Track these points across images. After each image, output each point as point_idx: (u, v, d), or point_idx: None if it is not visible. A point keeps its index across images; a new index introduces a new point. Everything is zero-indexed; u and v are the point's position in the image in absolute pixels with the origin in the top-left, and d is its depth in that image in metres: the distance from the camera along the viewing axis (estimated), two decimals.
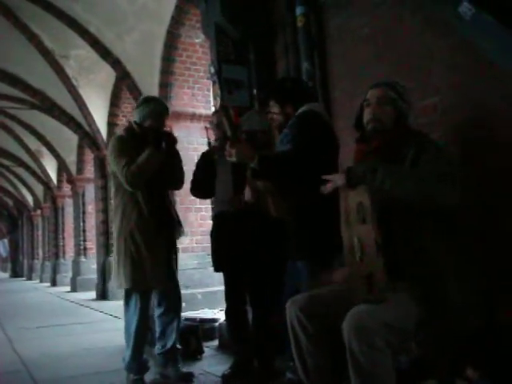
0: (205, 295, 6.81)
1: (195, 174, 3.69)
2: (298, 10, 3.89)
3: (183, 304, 6.50)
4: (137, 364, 3.41)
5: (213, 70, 4.38)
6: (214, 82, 4.45)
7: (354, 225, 1.96)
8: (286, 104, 2.88)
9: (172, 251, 3.62)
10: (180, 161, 3.73)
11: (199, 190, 3.76)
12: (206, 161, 3.67)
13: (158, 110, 3.54)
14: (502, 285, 2.48)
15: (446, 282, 1.99)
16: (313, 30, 3.90)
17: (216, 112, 3.84)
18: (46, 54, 9.03)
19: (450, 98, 2.87)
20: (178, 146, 7.49)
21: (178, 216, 3.68)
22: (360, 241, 1.93)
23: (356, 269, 1.97)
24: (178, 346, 3.64)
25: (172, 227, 3.58)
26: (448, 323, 1.99)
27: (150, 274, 3.34)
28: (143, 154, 3.33)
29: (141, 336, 3.41)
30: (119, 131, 6.15)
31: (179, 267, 6.90)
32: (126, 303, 3.44)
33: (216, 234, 3.61)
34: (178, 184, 3.78)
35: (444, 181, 1.87)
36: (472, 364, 2.31)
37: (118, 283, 3.47)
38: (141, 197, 3.39)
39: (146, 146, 3.36)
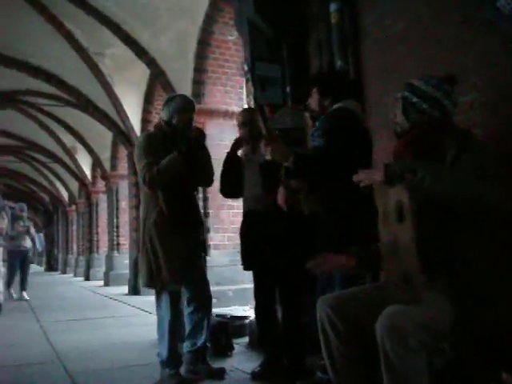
0: (236, 292, 6.85)
1: (222, 173, 3.69)
2: (332, 7, 3.86)
3: (214, 300, 6.56)
4: (173, 359, 3.43)
5: (246, 67, 4.38)
6: (247, 80, 4.45)
7: (392, 223, 1.92)
8: (326, 96, 2.87)
9: (197, 250, 3.61)
10: (209, 157, 3.72)
11: (227, 190, 3.74)
12: (231, 160, 3.65)
13: (183, 105, 3.55)
14: None
15: (484, 283, 1.94)
16: (346, 26, 3.86)
17: (243, 110, 3.82)
18: (81, 51, 9.17)
19: (487, 95, 2.81)
20: (211, 144, 7.60)
21: (200, 215, 3.65)
22: (397, 240, 1.89)
23: (392, 268, 1.94)
24: (208, 344, 3.66)
25: (194, 226, 3.56)
26: (483, 325, 1.94)
27: (166, 273, 3.33)
28: (166, 158, 3.32)
29: (174, 332, 3.43)
30: (150, 129, 6.20)
31: (210, 264, 7.03)
32: (158, 300, 3.48)
33: (245, 233, 3.61)
34: (208, 181, 3.77)
35: (484, 180, 1.83)
36: (507, 368, 2.26)
37: (140, 281, 3.51)
38: (161, 195, 3.38)
39: (175, 145, 3.37)
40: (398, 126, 2.27)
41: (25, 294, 10.06)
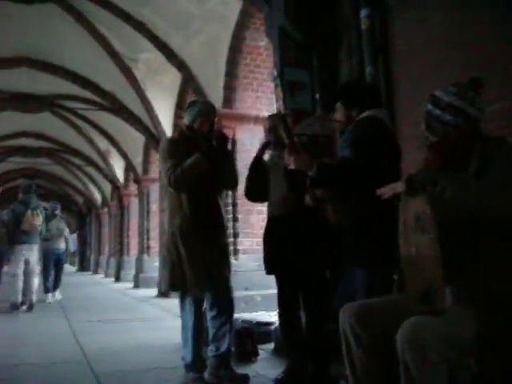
0: (264, 297, 6.83)
1: (248, 178, 3.69)
2: (363, 13, 3.84)
3: (243, 305, 6.59)
4: (197, 363, 3.45)
5: (275, 72, 4.39)
6: (276, 85, 4.45)
7: (413, 234, 1.90)
8: (353, 108, 2.84)
9: (221, 254, 3.60)
10: (232, 159, 3.75)
11: (253, 194, 3.74)
12: (257, 165, 3.65)
13: (204, 109, 3.58)
14: None
15: (509, 296, 1.89)
16: (377, 33, 3.84)
17: (269, 116, 3.82)
18: (116, 56, 9.35)
19: None
20: (241, 149, 7.66)
21: (223, 220, 3.66)
22: (418, 251, 1.86)
23: (413, 280, 1.91)
24: (232, 348, 3.66)
25: (217, 231, 3.57)
26: (508, 340, 1.89)
27: (190, 278, 3.35)
28: (190, 159, 3.36)
29: (198, 336, 3.46)
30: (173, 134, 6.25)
31: (239, 268, 7.04)
32: (181, 304, 3.50)
33: (269, 238, 3.61)
34: (231, 184, 3.79)
35: (508, 192, 1.78)
36: None
37: (161, 285, 3.54)
38: (185, 198, 3.41)
39: (197, 148, 3.40)
40: (427, 140, 2.25)
41: (57, 293, 10.03)
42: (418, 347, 1.72)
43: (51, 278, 9.95)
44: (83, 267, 27.95)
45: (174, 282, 3.42)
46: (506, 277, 1.91)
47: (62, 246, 10.20)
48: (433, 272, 1.79)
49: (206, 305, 3.64)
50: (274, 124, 3.53)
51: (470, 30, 3.02)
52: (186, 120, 3.64)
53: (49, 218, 9.76)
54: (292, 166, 2.57)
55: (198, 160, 3.36)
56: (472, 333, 1.83)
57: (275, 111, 4.43)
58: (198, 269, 3.37)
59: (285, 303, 3.57)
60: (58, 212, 10.35)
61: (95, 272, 23.47)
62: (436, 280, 1.79)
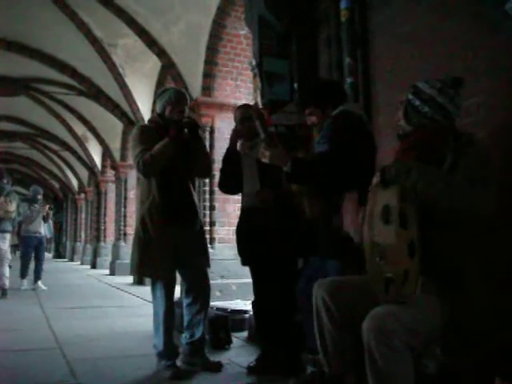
0: (240, 286, 6.86)
1: (222, 169, 3.69)
2: (343, 4, 3.83)
3: (218, 293, 6.60)
4: (168, 350, 3.46)
5: (254, 62, 4.38)
6: (254, 75, 4.44)
7: (378, 225, 1.92)
8: (326, 107, 2.85)
9: (195, 241, 3.61)
10: (203, 147, 3.74)
11: (226, 185, 3.75)
12: (231, 155, 3.65)
13: (175, 97, 3.57)
14: None
15: (476, 287, 1.93)
16: (356, 24, 3.83)
17: (241, 107, 3.80)
18: (95, 41, 9.23)
19: (494, 98, 2.79)
20: (219, 137, 7.64)
21: (195, 206, 3.66)
22: (383, 241, 1.89)
23: (376, 269, 1.93)
24: (206, 336, 3.68)
25: (188, 217, 3.57)
26: (474, 330, 1.93)
27: (158, 263, 3.37)
28: (158, 144, 3.36)
29: (169, 323, 3.46)
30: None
31: (215, 257, 7.05)
32: (153, 291, 3.51)
33: (242, 229, 3.62)
34: (204, 171, 3.80)
35: (479, 186, 1.82)
36: (501, 374, 2.25)
37: (131, 270, 3.56)
38: (154, 185, 3.43)
39: (167, 136, 3.40)
40: (401, 128, 2.27)
41: (40, 283, 9.43)
42: (383, 336, 1.75)
43: (31, 264, 9.57)
44: (59, 254, 27.67)
45: (141, 267, 3.43)
46: (474, 269, 1.95)
47: (42, 230, 9.83)
48: (399, 262, 1.82)
49: (181, 292, 3.65)
50: (247, 115, 3.51)
51: (452, 23, 3.04)
52: (157, 108, 3.65)
53: (31, 202, 9.61)
54: (267, 161, 2.57)
55: (167, 145, 3.36)
56: (438, 322, 1.87)
57: (248, 102, 4.42)
58: (165, 252, 3.38)
59: (259, 292, 3.60)
60: (40, 197, 10.00)
61: (71, 259, 23.28)
62: (403, 270, 1.81)
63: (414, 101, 2.18)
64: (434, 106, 2.12)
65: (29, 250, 9.55)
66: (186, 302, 3.61)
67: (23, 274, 9.48)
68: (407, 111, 2.20)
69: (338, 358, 2.18)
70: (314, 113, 2.89)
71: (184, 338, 3.62)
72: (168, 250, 3.40)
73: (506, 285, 2.39)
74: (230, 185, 3.71)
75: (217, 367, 3.54)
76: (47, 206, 10.27)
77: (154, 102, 9.63)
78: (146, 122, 9.59)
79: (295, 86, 4.22)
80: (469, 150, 1.95)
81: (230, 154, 3.64)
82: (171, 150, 3.38)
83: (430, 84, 2.17)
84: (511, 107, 2.71)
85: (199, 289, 3.58)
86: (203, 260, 3.64)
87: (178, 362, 3.51)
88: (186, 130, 3.49)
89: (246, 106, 3.85)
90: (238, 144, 3.65)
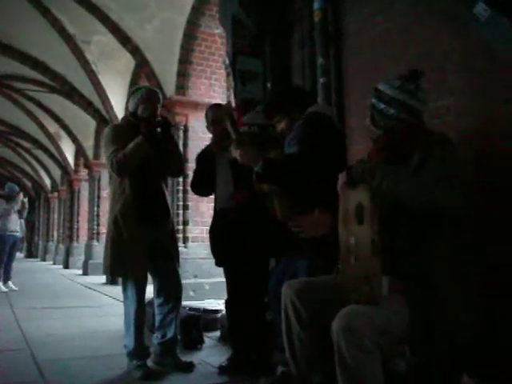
0: (212, 285, 6.85)
1: (195, 170, 3.67)
2: (316, 4, 3.84)
3: (191, 293, 6.58)
4: (139, 350, 3.43)
5: (227, 61, 4.37)
6: (228, 74, 4.44)
7: (352, 225, 1.93)
8: (293, 113, 2.86)
9: (167, 240, 3.60)
10: (176, 146, 3.72)
11: (199, 187, 3.73)
12: (205, 157, 3.63)
13: (147, 95, 3.54)
14: (502, 290, 2.44)
15: (443, 287, 1.96)
16: (329, 25, 3.85)
17: (212, 107, 3.79)
18: (68, 38, 9.10)
19: (464, 99, 2.82)
20: (194, 136, 7.61)
21: (167, 205, 3.64)
22: (356, 241, 1.90)
23: (350, 269, 1.94)
24: (178, 336, 3.66)
25: (161, 216, 3.55)
26: (441, 329, 1.96)
27: (130, 262, 3.35)
28: (131, 143, 3.34)
29: (140, 322, 3.43)
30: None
31: (188, 256, 7.02)
32: (124, 291, 3.48)
33: (216, 230, 3.61)
34: (176, 170, 3.78)
35: (443, 185, 1.84)
36: (467, 371, 2.29)
37: (104, 269, 3.52)
38: (128, 184, 3.40)
39: (139, 135, 3.37)
40: (372, 132, 2.28)
41: (11, 283, 9.21)
42: (352, 336, 1.75)
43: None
44: (31, 254, 27.27)
45: (114, 266, 3.40)
46: (443, 269, 1.98)
47: (19, 229, 9.59)
48: (369, 262, 1.83)
49: (153, 292, 3.63)
50: (219, 116, 3.50)
51: (425, 25, 3.07)
52: (129, 106, 3.61)
53: (8, 200, 9.38)
54: (238, 160, 2.57)
55: (140, 143, 3.33)
56: (406, 322, 1.89)
57: (222, 101, 4.41)
58: (138, 251, 3.35)
59: (232, 292, 3.59)
60: (15, 194, 9.68)
61: (43, 259, 22.94)
62: (372, 270, 1.83)
63: (378, 105, 2.18)
64: (398, 106, 2.11)
65: (6, 248, 9.25)
66: (157, 301, 3.59)
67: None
68: (373, 116, 2.21)
69: (307, 359, 2.18)
70: (282, 120, 2.90)
71: (155, 337, 3.60)
72: (140, 250, 3.37)
73: (473, 284, 2.42)
74: (202, 186, 3.69)
75: (188, 367, 3.52)
76: (21, 194, 9.94)
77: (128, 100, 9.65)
78: (119, 120, 9.68)
79: (268, 85, 4.23)
80: (436, 149, 1.97)
81: (203, 156, 3.62)
82: (144, 148, 3.35)
83: (389, 84, 2.16)
84: (480, 109, 2.75)
85: (171, 288, 3.56)
86: (175, 260, 3.62)
87: (149, 362, 3.49)
88: (158, 128, 3.46)
89: (217, 105, 3.83)
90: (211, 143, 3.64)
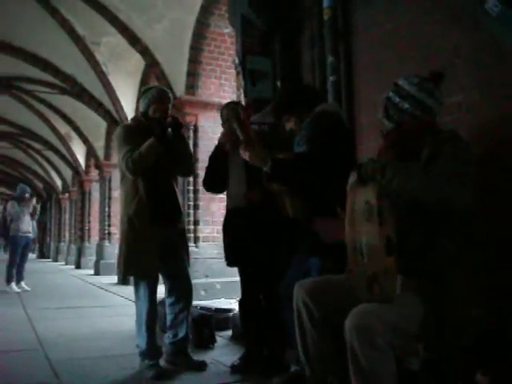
0: (224, 285, 6.85)
1: (207, 167, 3.67)
2: (325, 3, 3.83)
3: (202, 292, 6.59)
4: (151, 350, 3.44)
5: (237, 60, 4.37)
6: (237, 73, 4.44)
7: (360, 223, 1.92)
8: (302, 112, 2.86)
9: (179, 239, 3.61)
10: (186, 146, 3.73)
11: (211, 185, 3.72)
12: (218, 155, 3.62)
13: (158, 95, 3.56)
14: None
15: (456, 284, 1.94)
16: (339, 23, 3.84)
17: (225, 106, 3.78)
18: (78, 40, 9.15)
19: (475, 96, 2.81)
20: (204, 136, 7.62)
21: (179, 204, 3.65)
22: (366, 239, 1.89)
23: (359, 268, 1.93)
24: (190, 335, 3.67)
25: (173, 216, 3.56)
26: (455, 326, 1.94)
27: (144, 262, 3.36)
28: (145, 143, 3.34)
29: (152, 322, 3.45)
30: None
31: (199, 256, 7.03)
32: (136, 291, 3.49)
33: (229, 229, 3.61)
34: (187, 170, 3.78)
35: (454, 182, 1.82)
36: (482, 369, 2.27)
37: (117, 270, 3.54)
38: (141, 185, 3.40)
39: (152, 135, 3.37)
40: (383, 126, 2.28)
41: (23, 283, 9.21)
42: (366, 335, 1.75)
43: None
44: (43, 254, 27.43)
45: (128, 266, 3.42)
46: (455, 267, 1.96)
47: (31, 230, 9.59)
48: (381, 260, 1.82)
49: (164, 292, 3.64)
50: (228, 116, 3.51)
51: (434, 21, 3.06)
52: (140, 107, 3.63)
53: (19, 201, 9.41)
54: (248, 160, 2.57)
55: (153, 144, 3.34)
56: (420, 320, 1.87)
57: (232, 100, 4.40)
58: (151, 252, 3.36)
59: (246, 291, 3.59)
60: (27, 196, 9.71)
61: (55, 259, 23.06)
62: (382, 268, 1.81)
63: (393, 98, 2.19)
64: (413, 102, 2.13)
65: (18, 249, 9.29)
66: (168, 301, 3.60)
67: (10, 277, 9.14)
68: (387, 109, 2.22)
69: (320, 359, 2.18)
70: (291, 119, 2.90)
71: (167, 337, 3.61)
72: (153, 250, 3.38)
73: (487, 281, 2.41)
74: (215, 184, 3.68)
75: (201, 366, 3.53)
76: (34, 199, 10.02)
77: (138, 101, 9.68)
78: (129, 120, 9.72)
79: (278, 83, 4.22)
80: (448, 146, 1.96)
81: (217, 153, 3.62)
82: (157, 149, 3.36)
83: (409, 80, 2.19)
84: (491, 105, 2.73)
85: (182, 288, 3.57)
86: (186, 259, 3.63)
87: (162, 362, 3.50)
88: (169, 129, 3.47)
89: (230, 104, 3.83)
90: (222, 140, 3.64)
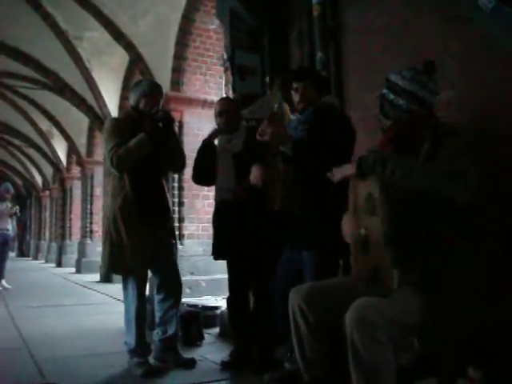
0: (209, 282, 6.81)
1: (196, 161, 3.64)
2: None
3: (187, 290, 6.55)
4: (141, 347, 3.40)
5: (226, 55, 4.34)
6: (226, 69, 4.41)
7: (362, 216, 1.91)
8: (320, 90, 2.86)
9: (167, 237, 3.57)
10: (177, 141, 3.69)
11: (200, 178, 3.68)
12: (206, 148, 3.59)
13: (149, 89, 3.49)
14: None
15: (454, 278, 1.94)
16: (328, 19, 3.83)
17: (221, 100, 3.77)
18: (60, 34, 8.99)
19: (464, 92, 2.81)
20: (188, 132, 7.57)
21: (167, 202, 3.61)
22: (367, 233, 1.88)
23: (361, 261, 1.93)
24: (179, 333, 3.64)
25: (160, 213, 3.51)
26: (451, 321, 1.95)
27: (130, 259, 3.29)
28: (134, 139, 3.28)
29: (141, 319, 3.41)
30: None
31: (184, 253, 6.99)
32: (125, 288, 3.45)
33: (217, 223, 3.58)
34: (178, 166, 3.73)
35: (455, 179, 1.82)
36: (474, 363, 2.28)
37: (101, 266, 3.49)
38: (128, 181, 3.33)
39: (142, 129, 3.32)
40: (381, 122, 2.27)
41: (4, 282, 9.14)
42: (366, 328, 1.74)
43: None
44: (22, 253, 27.11)
45: (112, 264, 3.37)
46: (453, 261, 1.96)
47: (10, 227, 9.45)
48: (380, 254, 1.81)
49: (152, 288, 3.61)
50: (225, 108, 3.50)
51: (425, 18, 3.06)
52: (131, 101, 3.55)
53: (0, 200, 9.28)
54: (266, 138, 2.55)
55: (143, 140, 3.28)
56: (417, 314, 1.87)
57: (219, 96, 4.39)
58: (138, 249, 3.31)
59: (235, 287, 3.56)
60: (8, 196, 9.56)
61: (35, 257, 22.82)
62: (384, 261, 1.81)
63: (388, 95, 2.18)
64: (408, 97, 2.13)
65: None
66: (157, 298, 3.56)
67: None
68: (383, 106, 2.20)
69: (317, 363, 2.18)
70: (307, 89, 2.85)
71: (156, 334, 3.57)
72: (140, 248, 3.32)
73: (484, 276, 2.41)
74: (203, 177, 3.65)
75: (190, 364, 3.50)
76: (15, 208, 9.88)
77: (124, 98, 9.58)
78: (113, 116, 9.59)
79: (267, 79, 4.21)
80: (447, 140, 1.96)
81: (207, 146, 3.59)
82: (147, 145, 3.30)
83: (401, 75, 2.17)
84: (481, 101, 2.74)
85: (171, 284, 3.53)
86: (175, 256, 3.59)
87: (151, 359, 3.46)
88: (160, 124, 3.42)
89: (224, 99, 3.82)
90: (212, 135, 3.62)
